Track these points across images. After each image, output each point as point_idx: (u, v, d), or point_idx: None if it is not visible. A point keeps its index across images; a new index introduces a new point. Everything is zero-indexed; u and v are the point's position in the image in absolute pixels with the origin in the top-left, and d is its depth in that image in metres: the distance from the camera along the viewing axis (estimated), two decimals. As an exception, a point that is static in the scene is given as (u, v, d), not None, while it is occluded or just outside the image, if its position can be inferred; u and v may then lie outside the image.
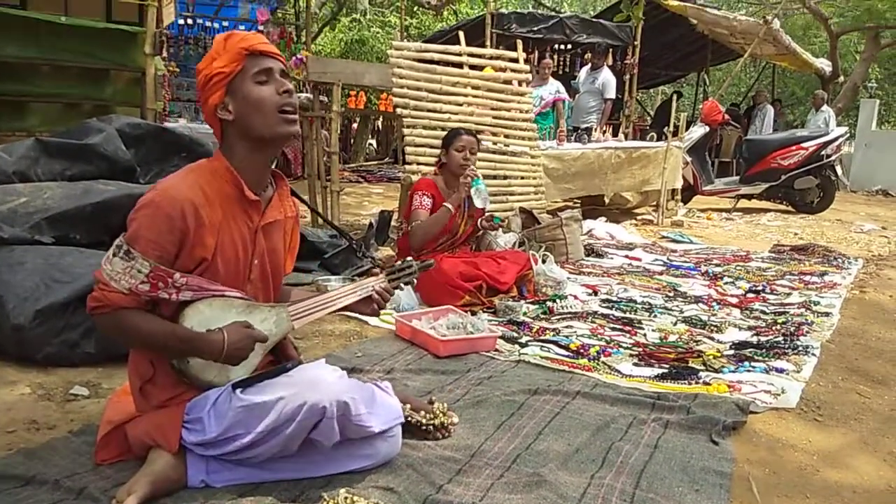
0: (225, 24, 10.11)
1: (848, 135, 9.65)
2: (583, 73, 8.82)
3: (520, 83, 5.72)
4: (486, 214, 4.07)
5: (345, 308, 1.95)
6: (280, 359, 1.92)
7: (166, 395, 1.76)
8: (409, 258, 2.11)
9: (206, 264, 1.70)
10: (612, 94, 8.38)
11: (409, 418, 2.02)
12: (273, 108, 1.72)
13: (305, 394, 1.64)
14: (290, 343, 2.00)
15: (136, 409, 1.79)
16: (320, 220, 4.96)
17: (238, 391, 1.68)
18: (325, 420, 1.66)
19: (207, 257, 1.70)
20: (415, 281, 2.13)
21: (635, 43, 10.02)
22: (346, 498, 1.66)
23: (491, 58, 5.75)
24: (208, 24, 9.79)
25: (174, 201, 1.64)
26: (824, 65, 13.39)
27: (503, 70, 5.64)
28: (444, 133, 4.10)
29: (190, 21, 9.56)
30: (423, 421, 2.04)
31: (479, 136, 4.02)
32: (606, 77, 8.37)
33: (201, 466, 1.72)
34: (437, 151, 4.01)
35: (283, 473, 1.76)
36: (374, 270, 2.07)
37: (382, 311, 3.35)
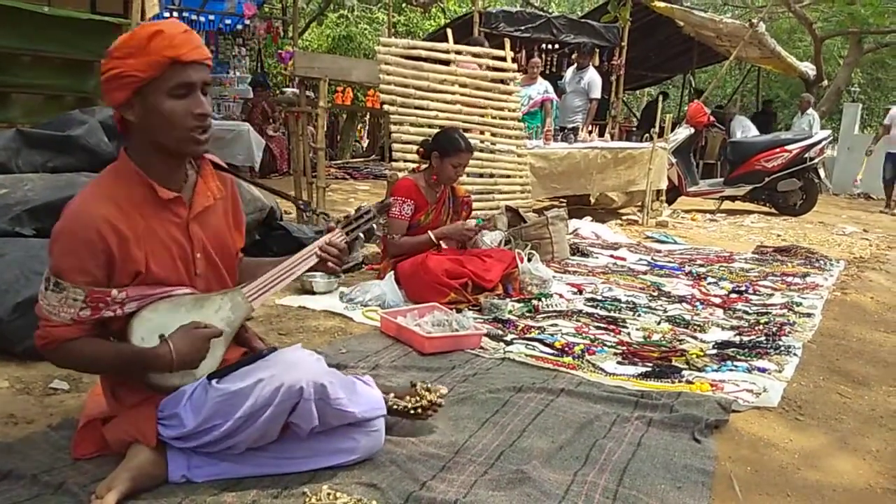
0: (211, 17, 10.02)
1: (831, 138, 9.74)
2: (569, 73, 8.85)
3: (504, 81, 5.71)
4: (471, 220, 4.05)
5: (303, 274, 1.86)
6: (250, 353, 1.88)
7: (138, 398, 1.72)
8: (365, 203, 2.00)
9: (142, 276, 1.63)
10: (597, 94, 8.41)
11: (395, 406, 1.98)
12: (183, 128, 1.59)
13: (282, 376, 1.62)
14: (255, 336, 1.95)
15: (110, 410, 1.77)
16: (306, 216, 4.94)
17: (214, 382, 1.66)
18: (302, 402, 1.63)
19: (141, 269, 1.62)
20: (374, 227, 1.99)
21: (622, 44, 10.06)
22: (328, 493, 1.65)
23: (478, 56, 5.75)
24: (194, 17, 9.70)
25: (88, 225, 1.55)
26: (808, 68, 13.53)
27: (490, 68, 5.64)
28: (433, 131, 4.07)
29: (176, 14, 9.46)
30: (410, 405, 2.01)
31: (470, 142, 3.91)
32: (592, 77, 8.40)
33: (182, 461, 1.70)
34: (433, 152, 3.79)
35: (265, 468, 1.75)
36: (330, 226, 1.92)
37: (367, 309, 3.40)
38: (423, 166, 3.89)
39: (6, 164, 3.12)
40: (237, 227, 1.90)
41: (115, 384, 1.75)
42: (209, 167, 1.81)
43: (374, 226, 1.99)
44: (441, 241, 3.77)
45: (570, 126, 8.06)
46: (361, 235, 1.96)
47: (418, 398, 2.03)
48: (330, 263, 1.86)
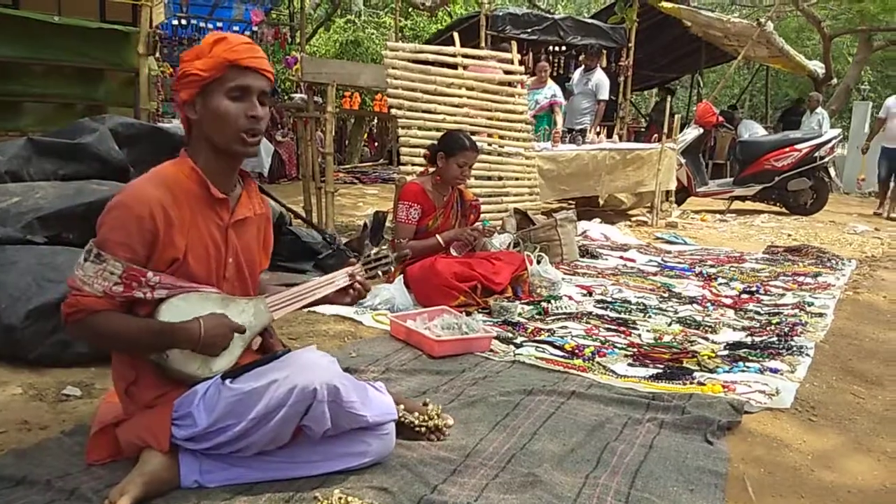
0: (219, 24, 10.09)
1: (841, 137, 9.67)
2: (576, 74, 8.84)
3: (512, 84, 5.72)
4: (478, 224, 4.05)
5: (323, 299, 1.95)
6: (266, 351, 1.91)
7: (152, 395, 1.74)
8: (385, 248, 2.10)
9: (178, 264, 1.70)
10: (605, 95, 8.39)
11: (403, 419, 2.00)
12: (235, 127, 1.71)
13: (296, 377, 1.63)
14: (277, 339, 1.99)
15: (124, 411, 1.78)
16: (314, 220, 4.95)
17: (228, 381, 1.67)
18: (315, 404, 1.64)
19: (179, 257, 1.69)
20: (392, 269, 2.13)
21: (629, 45, 10.04)
22: (340, 498, 1.65)
23: (485, 59, 5.76)
24: (202, 24, 9.77)
25: (143, 202, 1.63)
26: (817, 67, 13.45)
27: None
28: (441, 134, 4.06)
29: (184, 21, 9.54)
30: (417, 422, 2.03)
31: (476, 142, 3.91)
32: (600, 78, 8.38)
33: (195, 466, 1.70)
34: (438, 153, 3.79)
35: (276, 472, 1.75)
36: (350, 260, 2.03)
37: (376, 312, 3.40)
38: (431, 170, 3.89)
39: (18, 173, 3.14)
40: (265, 248, 1.99)
41: (129, 383, 1.75)
42: (254, 185, 1.93)
43: (391, 268, 2.11)
44: (451, 248, 3.77)
45: (578, 128, 8.05)
46: (380, 273, 2.09)
47: (426, 417, 2.05)
48: (352, 293, 1.97)
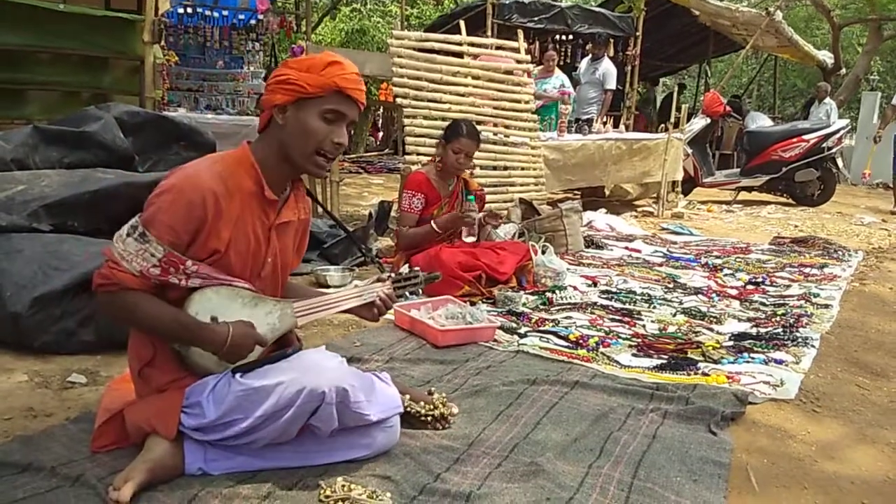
0: (224, 13, 10.03)
1: (849, 127, 9.58)
2: (584, 63, 8.78)
3: (513, 73, 5.69)
4: (484, 213, 4.03)
5: (348, 310, 1.97)
6: (282, 345, 1.91)
7: (166, 379, 1.75)
8: (417, 268, 2.12)
9: (218, 256, 1.70)
10: (612, 84, 8.34)
11: (409, 408, 2.01)
12: (316, 147, 1.72)
13: (305, 379, 1.64)
14: (294, 334, 2.00)
15: (136, 392, 1.79)
16: (320, 210, 4.95)
17: (238, 376, 1.68)
18: (323, 406, 1.65)
19: (221, 249, 1.69)
20: (420, 291, 2.12)
21: (637, 34, 9.97)
22: (343, 486, 1.66)
23: (492, 48, 5.73)
24: (207, 13, 9.71)
25: (197, 188, 1.64)
26: (826, 57, 13.34)
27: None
28: (446, 123, 4.06)
29: (189, 10, 9.48)
30: (423, 411, 2.04)
31: (478, 131, 3.89)
32: (607, 67, 8.33)
33: (199, 454, 1.71)
34: (439, 140, 3.90)
35: (280, 461, 1.76)
36: (381, 277, 2.04)
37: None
38: (437, 159, 3.88)
39: (23, 161, 3.15)
40: (298, 251, 2.01)
41: (144, 364, 1.76)
42: (303, 189, 1.94)
43: (420, 290, 2.09)
44: (462, 236, 3.74)
45: (585, 118, 8.00)
46: (407, 294, 2.08)
47: (432, 407, 2.06)
48: (377, 311, 1.98)
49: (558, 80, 7.97)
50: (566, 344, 2.96)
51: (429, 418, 2.05)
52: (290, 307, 1.85)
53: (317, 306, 1.91)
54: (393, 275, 2.07)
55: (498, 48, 5.75)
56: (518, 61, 5.68)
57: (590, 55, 8.77)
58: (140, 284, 1.63)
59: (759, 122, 10.04)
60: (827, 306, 3.74)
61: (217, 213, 1.66)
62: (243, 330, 1.71)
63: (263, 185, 1.75)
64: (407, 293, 2.07)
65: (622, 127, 8.16)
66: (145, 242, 1.61)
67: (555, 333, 3.07)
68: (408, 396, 2.04)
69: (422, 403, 2.06)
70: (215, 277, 1.71)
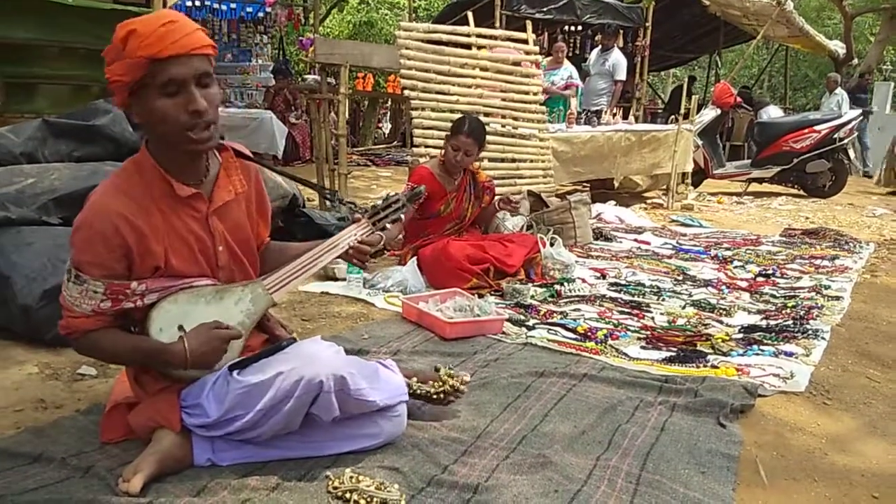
0: (232, 5, 10.06)
1: (861, 118, 9.49)
2: (593, 54, 8.74)
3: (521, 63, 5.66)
4: (499, 197, 4.02)
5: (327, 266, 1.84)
6: (272, 340, 1.90)
7: (160, 385, 1.75)
8: (396, 193, 1.95)
9: (162, 270, 1.65)
10: (622, 75, 8.30)
11: (418, 390, 2.00)
12: (178, 126, 1.54)
13: (302, 369, 1.62)
14: (278, 323, 1.97)
15: (134, 396, 1.80)
16: (328, 203, 4.95)
17: (235, 373, 1.68)
18: (322, 394, 1.64)
19: (160, 264, 1.64)
20: (402, 217, 1.93)
21: (647, 24, 9.91)
22: (351, 477, 1.66)
23: (500, 39, 5.70)
24: (216, 5, 9.73)
25: (105, 218, 1.55)
26: (838, 47, 13.21)
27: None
28: (454, 116, 4.05)
29: (197, 3, 9.51)
30: (433, 390, 2.02)
31: (484, 131, 3.85)
32: (617, 58, 8.29)
33: (207, 446, 1.72)
34: (445, 134, 3.91)
35: (288, 452, 1.76)
36: (355, 217, 1.87)
37: (389, 294, 3.40)
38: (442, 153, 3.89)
39: (33, 154, 3.16)
40: (262, 217, 1.90)
41: (138, 371, 1.78)
42: (232, 158, 1.79)
43: (402, 216, 1.90)
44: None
45: (595, 109, 7.97)
46: (388, 225, 1.89)
47: (441, 383, 2.04)
48: (355, 260, 1.87)
49: (566, 71, 7.94)
50: (574, 336, 2.95)
51: (441, 395, 2.02)
52: (260, 286, 1.77)
53: (290, 274, 1.79)
54: (369, 209, 1.90)
55: (506, 39, 5.71)
56: (527, 52, 5.65)
57: (599, 46, 8.72)
58: (98, 323, 1.62)
59: (772, 113, 9.98)
60: (838, 298, 3.71)
61: (137, 234, 1.58)
62: (203, 336, 1.66)
63: (173, 184, 1.63)
64: (388, 224, 1.87)
65: (631, 118, 8.12)
66: (82, 283, 1.57)
67: (563, 326, 3.06)
68: (415, 379, 2.02)
69: (430, 383, 2.03)
70: (169, 286, 1.65)
